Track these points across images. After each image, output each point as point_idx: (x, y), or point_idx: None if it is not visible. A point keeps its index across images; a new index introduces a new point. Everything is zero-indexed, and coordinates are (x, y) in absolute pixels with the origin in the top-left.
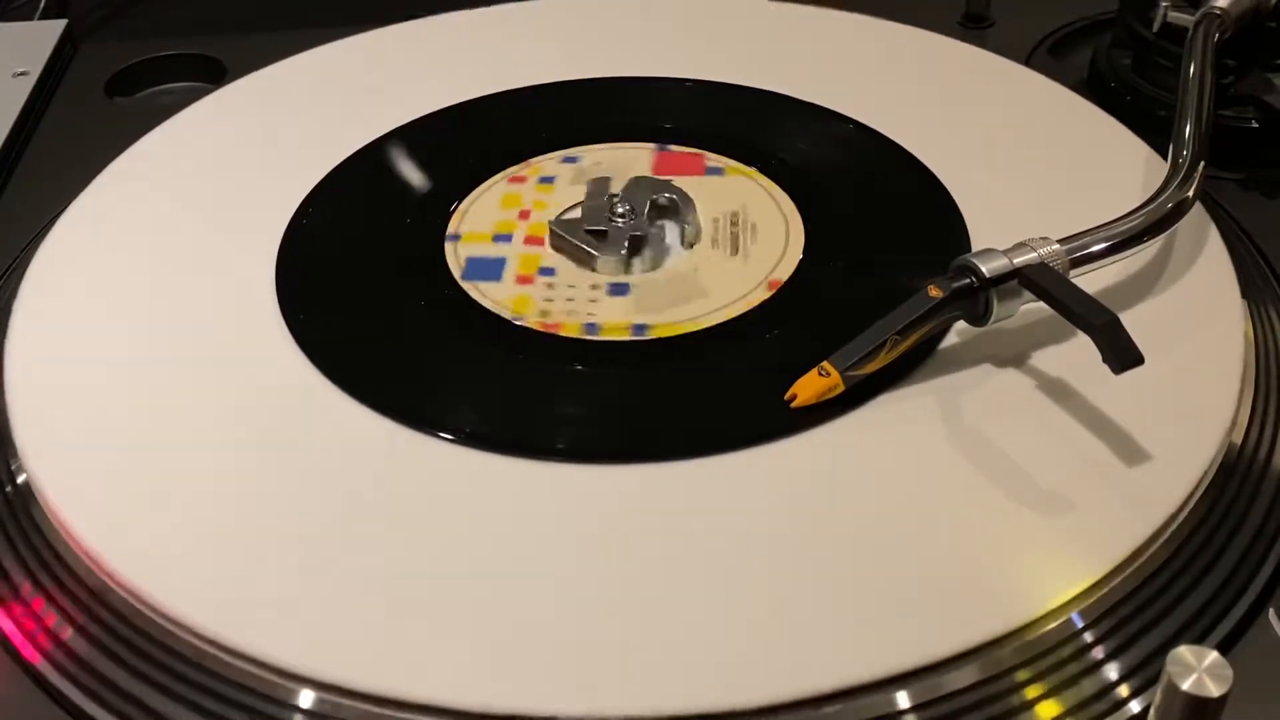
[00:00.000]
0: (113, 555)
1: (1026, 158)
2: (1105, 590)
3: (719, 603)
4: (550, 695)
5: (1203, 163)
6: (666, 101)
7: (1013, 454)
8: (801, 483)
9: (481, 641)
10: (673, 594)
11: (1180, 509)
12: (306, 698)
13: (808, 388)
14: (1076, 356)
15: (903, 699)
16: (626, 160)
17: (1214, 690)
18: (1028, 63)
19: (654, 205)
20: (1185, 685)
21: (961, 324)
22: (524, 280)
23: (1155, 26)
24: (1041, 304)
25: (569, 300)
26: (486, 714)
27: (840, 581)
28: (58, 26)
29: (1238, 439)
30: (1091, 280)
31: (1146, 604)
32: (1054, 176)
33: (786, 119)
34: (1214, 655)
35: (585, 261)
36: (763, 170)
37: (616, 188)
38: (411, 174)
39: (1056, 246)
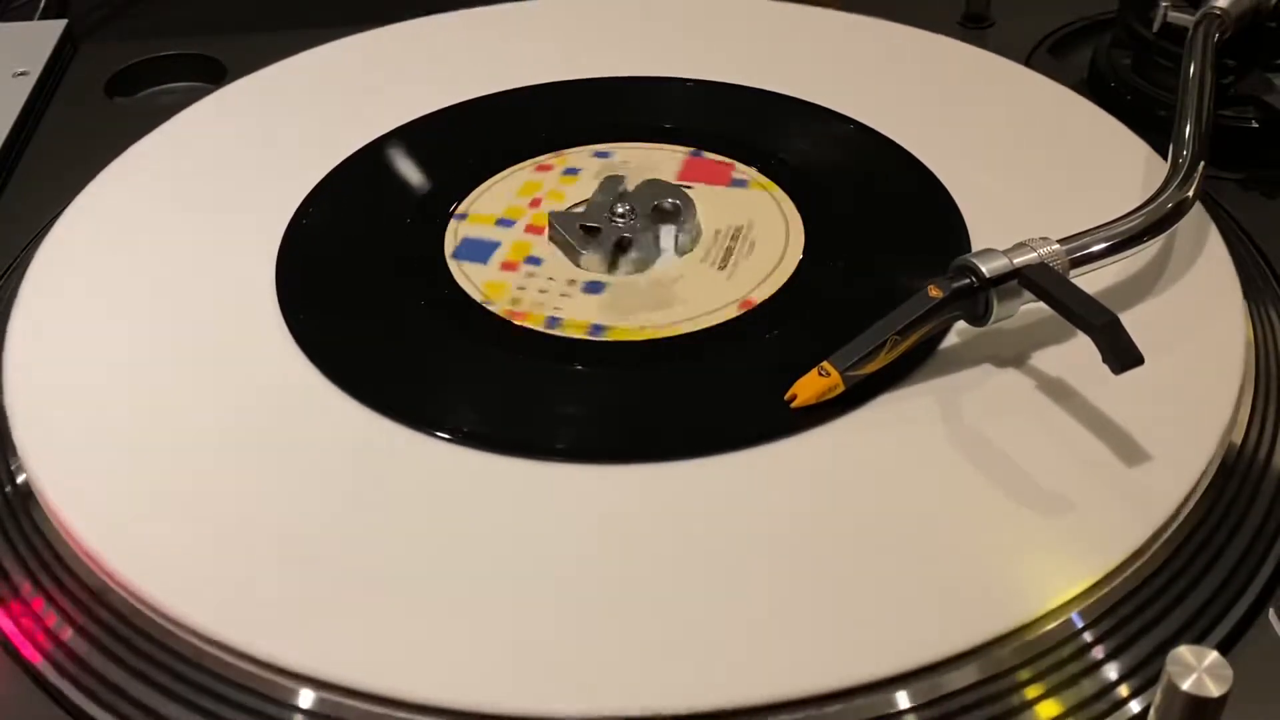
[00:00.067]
0: (112, 555)
1: (1026, 158)
2: (1105, 590)
3: (719, 603)
4: (550, 695)
5: (1203, 163)
6: (700, 105)
7: (1013, 454)
8: (801, 483)
9: (481, 641)
10: (673, 594)
11: (1180, 509)
12: (306, 698)
13: (808, 388)
14: (1076, 356)
15: (903, 699)
16: (655, 161)
17: (1214, 690)
18: (1028, 63)
19: (656, 209)
20: (1185, 685)
21: (961, 324)
22: (508, 267)
23: (1155, 26)
24: (1041, 304)
25: (541, 292)
26: (486, 714)
27: (840, 581)
28: (58, 26)
29: (1237, 439)
30: (1091, 280)
31: (1146, 604)
32: (1054, 176)
33: (788, 119)
34: (1214, 655)
35: (573, 256)
36: (763, 170)
37: (630, 187)
38: (411, 174)
39: (1056, 246)
